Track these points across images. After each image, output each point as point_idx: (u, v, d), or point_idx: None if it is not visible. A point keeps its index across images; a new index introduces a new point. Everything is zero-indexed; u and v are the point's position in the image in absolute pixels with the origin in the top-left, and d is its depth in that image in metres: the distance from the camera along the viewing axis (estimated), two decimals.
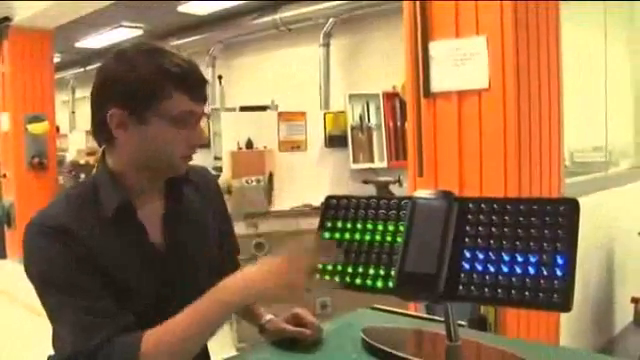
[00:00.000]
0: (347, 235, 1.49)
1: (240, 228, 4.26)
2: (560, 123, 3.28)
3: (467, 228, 1.34)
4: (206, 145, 6.36)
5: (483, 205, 1.35)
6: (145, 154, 1.40)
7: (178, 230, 1.51)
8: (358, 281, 1.43)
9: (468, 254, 1.31)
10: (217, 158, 6.01)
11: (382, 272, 1.40)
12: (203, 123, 1.49)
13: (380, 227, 1.46)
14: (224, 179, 4.53)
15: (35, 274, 1.33)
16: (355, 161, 4.99)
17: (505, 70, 2.84)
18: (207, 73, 9.04)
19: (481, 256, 1.30)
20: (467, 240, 1.32)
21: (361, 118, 5.10)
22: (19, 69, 7.05)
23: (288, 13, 7.36)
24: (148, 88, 1.34)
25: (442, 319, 1.44)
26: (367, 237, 1.47)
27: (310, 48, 7.60)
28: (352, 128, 5.03)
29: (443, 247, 1.32)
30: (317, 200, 4.66)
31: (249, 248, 4.21)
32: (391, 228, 1.44)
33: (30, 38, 7.06)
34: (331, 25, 7.23)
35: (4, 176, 7.19)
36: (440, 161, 3.07)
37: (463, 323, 1.61)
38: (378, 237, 1.45)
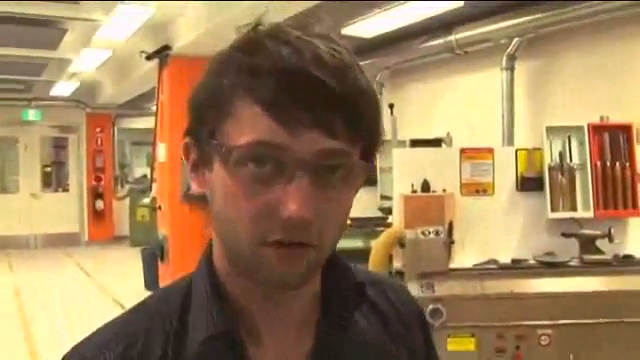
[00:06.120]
0: None
1: (412, 289, 3.53)
2: None
3: None
4: (372, 183, 5.65)
5: None
6: (218, 233, 0.82)
7: None
8: None
9: None
10: (385, 197, 5.32)
11: None
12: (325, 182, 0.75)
13: None
14: (395, 229, 3.84)
15: None
16: (554, 209, 4.16)
17: None
18: None
19: None
20: None
21: (561, 156, 4.26)
22: (177, 98, 6.94)
23: (465, 34, 6.77)
24: (211, 99, 0.75)
25: None
26: None
27: (490, 73, 6.92)
28: (550, 168, 4.21)
29: None
30: (506, 256, 3.88)
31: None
32: None
33: (189, 66, 6.93)
34: (515, 45, 6.51)
35: (159, 208, 7.16)
36: None
37: None
38: None
